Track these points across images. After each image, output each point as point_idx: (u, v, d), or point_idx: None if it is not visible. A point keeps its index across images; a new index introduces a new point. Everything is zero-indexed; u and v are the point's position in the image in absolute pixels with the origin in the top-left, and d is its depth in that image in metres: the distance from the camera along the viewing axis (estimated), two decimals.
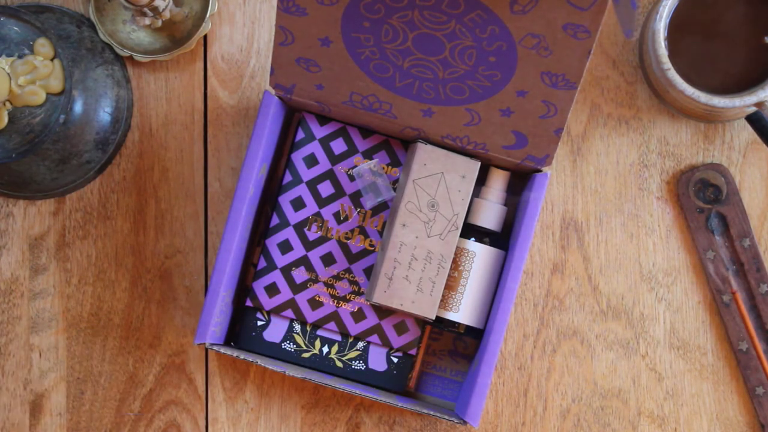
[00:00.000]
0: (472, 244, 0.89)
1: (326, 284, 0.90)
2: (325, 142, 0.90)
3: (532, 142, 0.85)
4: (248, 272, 0.93)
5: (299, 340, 0.90)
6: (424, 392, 0.94)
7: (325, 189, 0.90)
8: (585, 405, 0.95)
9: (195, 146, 0.96)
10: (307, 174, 0.90)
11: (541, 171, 0.87)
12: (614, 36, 0.95)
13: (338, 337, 0.90)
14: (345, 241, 0.90)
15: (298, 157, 0.90)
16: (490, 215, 0.90)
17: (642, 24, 0.94)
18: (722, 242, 0.94)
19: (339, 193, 0.90)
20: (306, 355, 0.90)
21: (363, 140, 0.90)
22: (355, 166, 0.90)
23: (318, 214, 0.90)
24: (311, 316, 0.90)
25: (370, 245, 0.90)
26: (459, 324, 0.89)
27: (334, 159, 0.90)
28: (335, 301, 0.90)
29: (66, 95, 0.87)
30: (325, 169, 0.90)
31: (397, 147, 0.90)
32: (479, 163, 0.88)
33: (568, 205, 0.95)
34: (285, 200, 0.90)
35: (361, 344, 0.90)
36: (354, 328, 0.90)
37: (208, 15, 0.93)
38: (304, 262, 0.90)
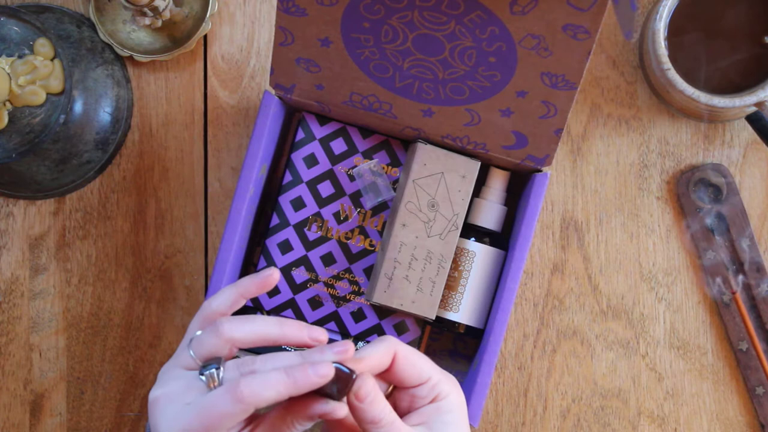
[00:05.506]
0: (472, 244, 0.89)
1: (326, 284, 0.90)
2: (325, 142, 0.90)
3: (532, 142, 0.85)
4: (248, 272, 0.93)
5: None
6: None
7: (325, 189, 0.90)
8: (585, 405, 0.95)
9: (195, 146, 0.96)
10: (307, 174, 0.90)
11: (541, 171, 0.87)
12: (614, 36, 0.95)
13: (338, 337, 0.90)
14: (345, 241, 0.90)
15: (298, 157, 0.90)
16: (490, 215, 0.90)
17: (642, 24, 0.94)
18: (722, 242, 0.94)
19: (339, 193, 0.90)
20: None
21: (363, 140, 0.90)
22: (355, 166, 0.90)
23: (318, 214, 0.90)
24: (311, 316, 0.90)
25: (370, 245, 0.90)
26: (459, 324, 0.89)
27: (334, 159, 0.90)
28: (335, 301, 0.90)
29: (66, 95, 0.87)
30: (325, 169, 0.90)
31: (397, 147, 0.90)
32: (479, 163, 0.88)
33: (568, 205, 0.95)
34: (285, 200, 0.90)
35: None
36: (354, 328, 0.90)
37: (208, 15, 0.93)
38: (304, 262, 0.90)
